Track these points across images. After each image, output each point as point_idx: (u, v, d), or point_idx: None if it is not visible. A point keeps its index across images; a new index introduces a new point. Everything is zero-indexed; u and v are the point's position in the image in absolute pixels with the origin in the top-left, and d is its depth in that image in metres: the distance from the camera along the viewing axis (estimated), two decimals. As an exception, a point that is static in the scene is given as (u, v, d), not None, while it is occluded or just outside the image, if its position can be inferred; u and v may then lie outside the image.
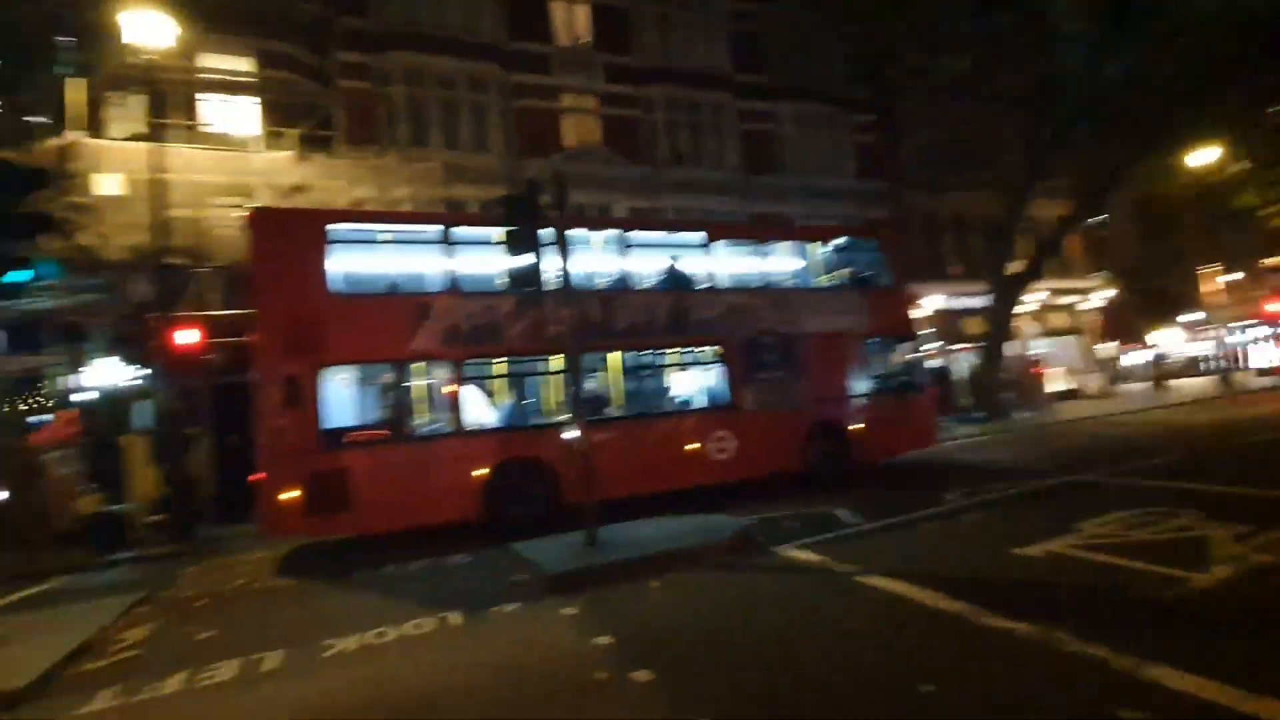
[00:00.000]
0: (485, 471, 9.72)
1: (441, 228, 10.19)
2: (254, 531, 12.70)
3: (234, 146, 14.87)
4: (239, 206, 13.49)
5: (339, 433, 9.26)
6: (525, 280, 7.95)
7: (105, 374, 14.41)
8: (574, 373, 8.31)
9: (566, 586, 6.53)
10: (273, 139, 15.27)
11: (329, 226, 9.47)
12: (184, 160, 13.90)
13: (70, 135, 12.88)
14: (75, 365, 14.91)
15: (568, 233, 8.23)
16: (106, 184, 13.41)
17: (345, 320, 9.32)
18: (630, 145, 20.78)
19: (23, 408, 18.42)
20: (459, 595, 6.59)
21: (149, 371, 12.44)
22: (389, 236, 10.15)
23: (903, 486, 10.85)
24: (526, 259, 7.87)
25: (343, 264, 9.59)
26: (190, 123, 14.84)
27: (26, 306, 14.68)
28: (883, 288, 13.21)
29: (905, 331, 13.25)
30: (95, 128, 13.65)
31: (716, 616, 5.38)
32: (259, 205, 12.64)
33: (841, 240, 13.41)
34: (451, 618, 5.90)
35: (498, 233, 8.75)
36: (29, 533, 11.41)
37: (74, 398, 14.94)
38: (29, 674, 4.89)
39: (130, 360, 12.71)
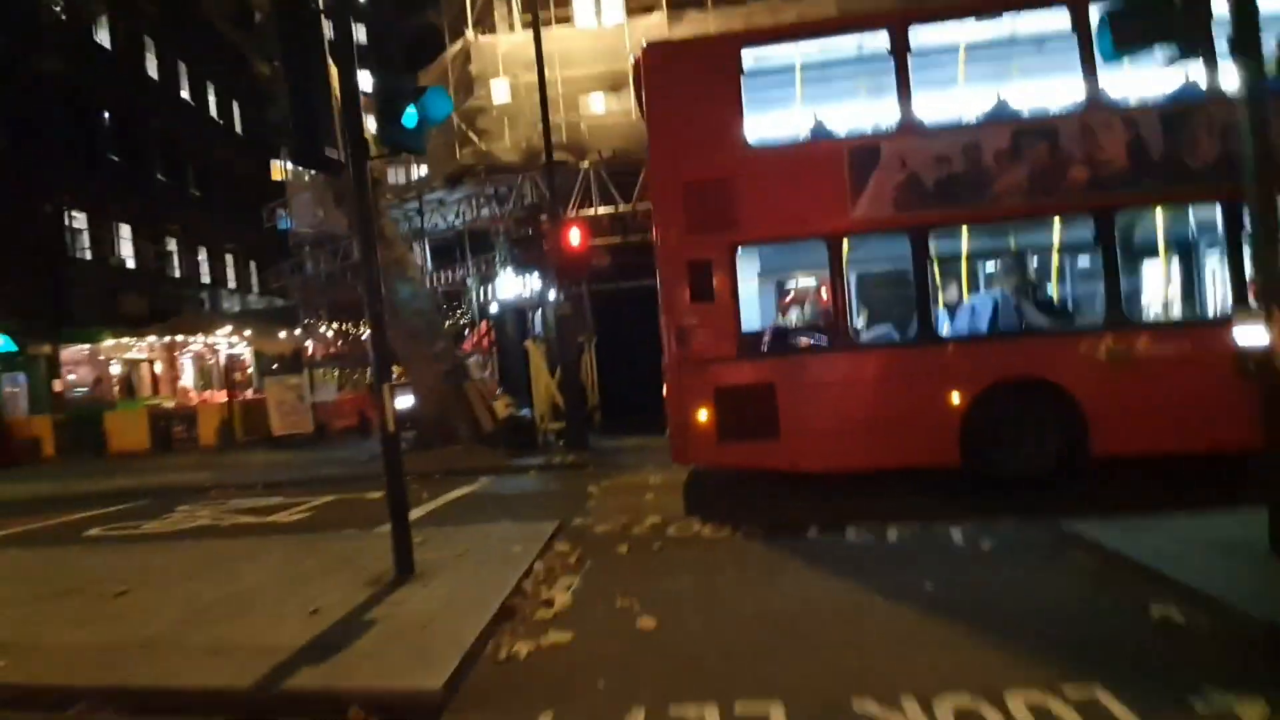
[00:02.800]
0: (963, 398, 6.48)
1: (889, 35, 6.82)
2: (641, 445, 12.14)
3: (605, 34, 13.53)
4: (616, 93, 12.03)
5: (762, 337, 6.92)
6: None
7: (509, 285, 14.80)
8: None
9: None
10: (639, 13, 13.53)
11: (746, 51, 6.85)
12: (561, 53, 12.94)
13: (469, 35, 12.84)
14: (485, 279, 15.69)
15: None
16: (498, 89, 13.14)
17: (766, 182, 6.78)
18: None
19: (447, 324, 21.14)
20: (1058, 633, 3.55)
21: (541, 277, 11.98)
22: (820, 56, 7.18)
23: None
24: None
25: (762, 104, 6.98)
26: (563, 12, 13.92)
27: (444, 228, 15.89)
28: None
29: None
30: (485, 26, 13.51)
31: None
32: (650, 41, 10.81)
33: None
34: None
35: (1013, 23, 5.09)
36: (462, 431, 11.98)
37: (492, 309, 15.84)
38: (447, 662, 3.45)
39: (526, 267, 12.45)
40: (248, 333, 24.00)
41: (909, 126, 6.63)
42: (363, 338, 27.10)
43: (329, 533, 7.00)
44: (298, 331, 23.28)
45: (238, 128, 32.66)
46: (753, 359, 6.75)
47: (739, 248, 6.77)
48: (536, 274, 13.10)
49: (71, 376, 21.25)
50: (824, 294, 6.91)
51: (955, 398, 6.48)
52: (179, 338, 23.88)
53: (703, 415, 6.73)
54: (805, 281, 7.65)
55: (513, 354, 15.70)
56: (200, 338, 23.68)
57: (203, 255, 29.61)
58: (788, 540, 5.61)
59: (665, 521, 6.46)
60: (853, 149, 6.71)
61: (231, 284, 31.83)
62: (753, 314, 7.45)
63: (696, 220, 6.83)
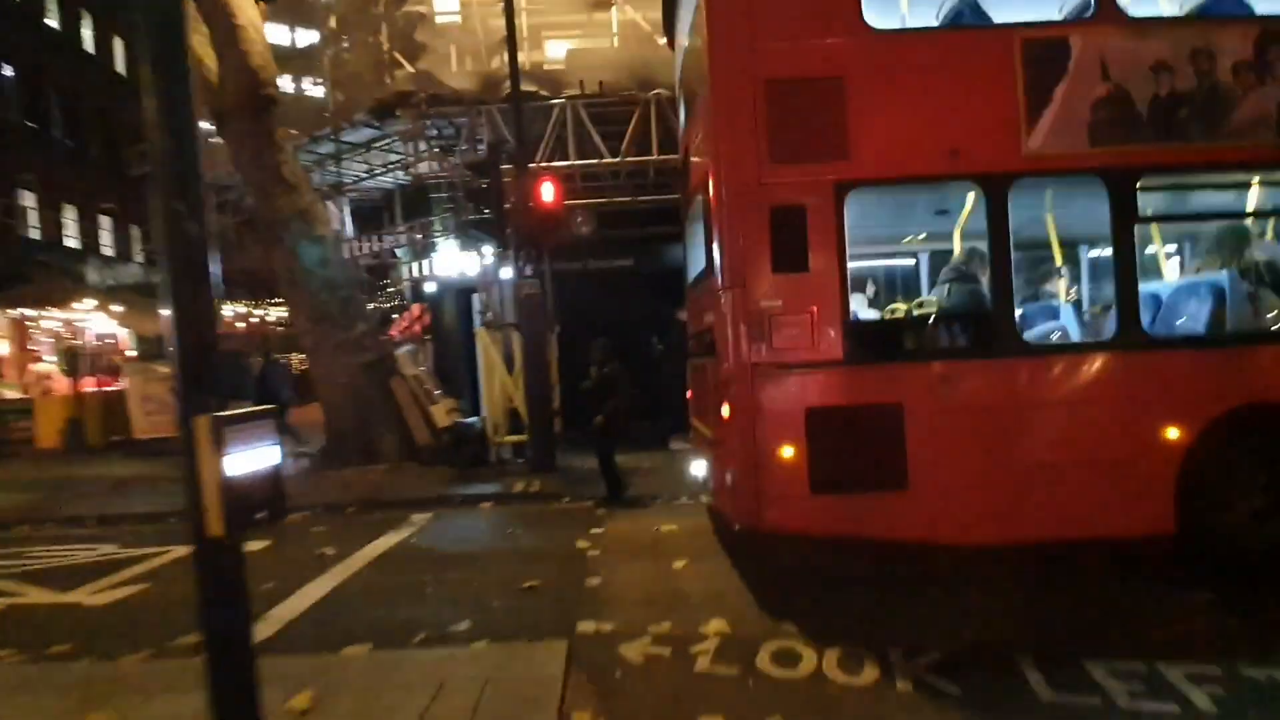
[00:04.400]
0: (1183, 433, 4.24)
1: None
2: (623, 466, 9.43)
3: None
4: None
5: (886, 330, 4.47)
6: None
7: (451, 258, 11.83)
8: None
9: None
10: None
11: None
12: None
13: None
14: (421, 250, 12.63)
15: None
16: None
17: (895, 89, 4.34)
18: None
19: (370, 305, 17.42)
20: None
21: (497, 247, 9.17)
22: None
23: None
24: None
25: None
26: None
27: (367, 182, 12.66)
28: None
29: None
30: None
31: None
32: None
33: None
34: None
35: None
36: (388, 444, 9.02)
37: (428, 287, 12.77)
38: None
39: (477, 235, 9.58)
40: (117, 308, 19.84)
41: (1113, 13, 4.33)
42: (268, 317, 23.18)
43: (144, 646, 4.03)
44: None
45: (119, 66, 27.71)
46: (870, 365, 4.29)
47: (851, 190, 4.29)
48: (490, 244, 10.24)
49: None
50: (975, 267, 4.54)
51: (1171, 432, 4.24)
52: (26, 311, 19.49)
53: (787, 453, 4.22)
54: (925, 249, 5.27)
55: (453, 345, 12.74)
56: (54, 312, 19.36)
57: (71, 215, 24.78)
58: (1010, 698, 3.14)
59: (738, 631, 3.90)
60: (1029, 44, 4.33)
61: (109, 250, 26.99)
62: (873, 293, 5.02)
63: (785, 144, 4.30)
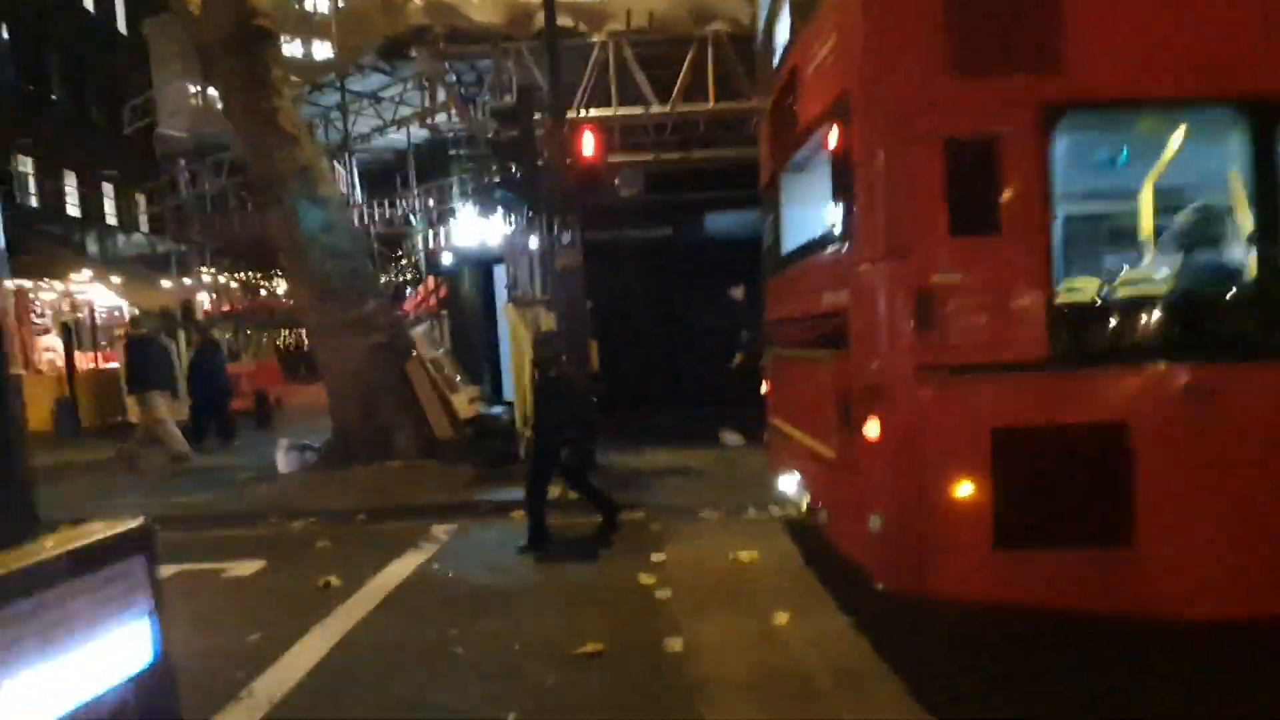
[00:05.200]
0: None
1: None
2: (673, 465, 8.24)
3: None
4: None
5: (1095, 320, 3.18)
6: None
7: (471, 225, 10.57)
8: None
9: None
10: None
11: None
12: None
13: None
14: (438, 218, 11.36)
15: None
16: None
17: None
18: None
19: (382, 279, 15.99)
20: None
21: (529, 211, 7.90)
22: None
23: None
24: None
25: None
26: None
27: (376, 138, 11.33)
28: None
29: None
30: None
31: None
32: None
33: None
34: None
35: None
36: (403, 439, 7.88)
37: (444, 259, 11.53)
38: None
39: (503, 196, 8.30)
40: (115, 280, 18.81)
41: None
42: (263, 290, 22.00)
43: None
44: (189, 280, 18.23)
45: (121, 25, 26.36)
46: (1085, 369, 3.02)
47: (1064, 115, 2.98)
48: (517, 208, 8.96)
49: None
50: (1233, 230, 3.25)
51: None
52: (24, 283, 18.51)
53: (964, 490, 2.99)
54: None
55: (472, 324, 11.56)
56: (52, 284, 18.36)
57: (71, 182, 23.71)
58: None
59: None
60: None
61: (111, 219, 25.98)
62: (1078, 262, 3.73)
63: (970, 46, 3.00)
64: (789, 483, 4.81)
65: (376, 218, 11.98)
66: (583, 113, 8.06)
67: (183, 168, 12.91)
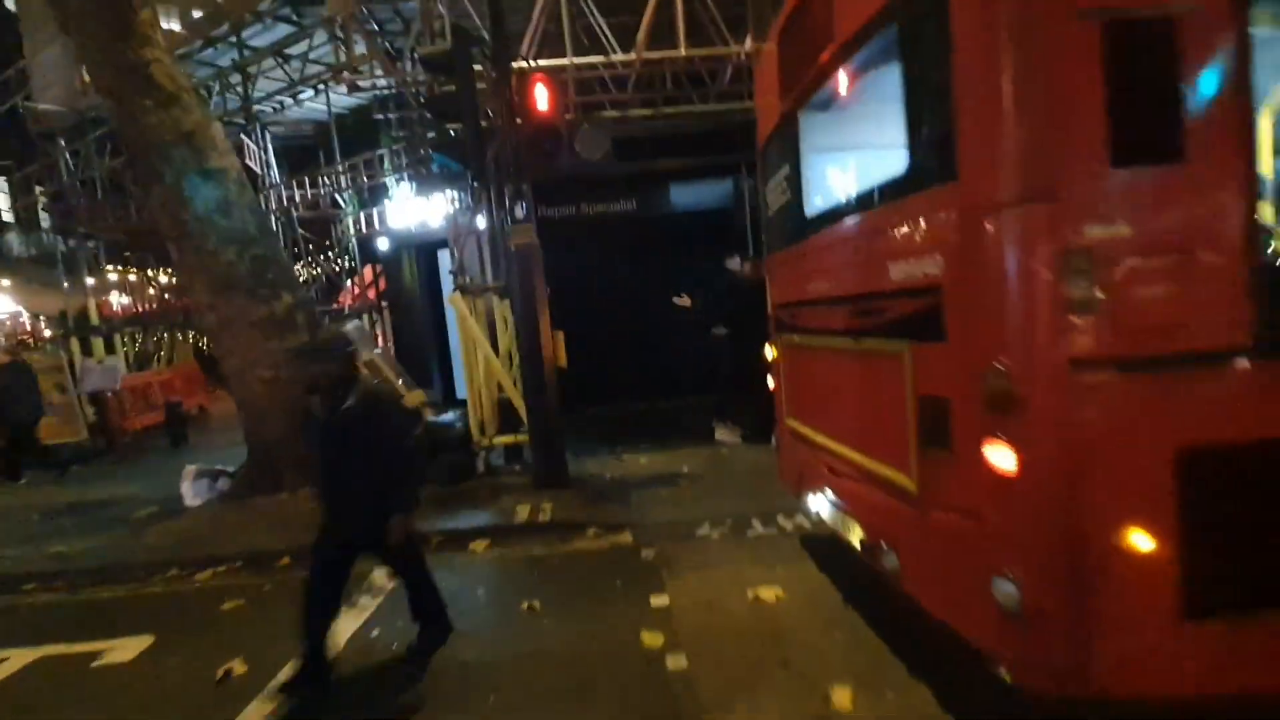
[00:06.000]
0: None
1: None
2: (653, 473, 7.15)
3: None
4: None
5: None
6: None
7: (408, 205, 9.24)
8: None
9: None
10: None
11: None
12: None
13: None
14: (369, 197, 9.97)
15: None
16: None
17: None
18: None
19: (306, 266, 13.97)
20: None
21: (472, 182, 6.66)
22: None
23: None
24: None
25: None
26: None
27: (288, 104, 9.77)
28: None
29: None
30: None
31: None
32: None
33: None
34: None
35: None
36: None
37: (380, 245, 10.14)
38: None
39: (441, 172, 7.01)
40: (4, 283, 16.66)
41: None
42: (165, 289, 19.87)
43: None
44: (91, 281, 16.18)
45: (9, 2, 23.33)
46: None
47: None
48: (460, 182, 7.69)
49: None
50: None
51: None
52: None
53: (1138, 541, 2.04)
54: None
55: (417, 318, 10.24)
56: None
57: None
58: None
59: None
60: None
61: (6, 216, 23.21)
62: None
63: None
64: (820, 505, 3.84)
65: (298, 199, 10.45)
66: (531, 64, 6.83)
67: (63, 148, 11.06)
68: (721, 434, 7.58)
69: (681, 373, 9.46)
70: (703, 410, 8.14)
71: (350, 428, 3.37)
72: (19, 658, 4.18)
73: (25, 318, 19.94)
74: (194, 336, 18.70)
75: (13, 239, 22.31)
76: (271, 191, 9.87)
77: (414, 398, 7.29)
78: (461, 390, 8.52)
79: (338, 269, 14.31)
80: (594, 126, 6.55)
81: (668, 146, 9.20)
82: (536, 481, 6.44)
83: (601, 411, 9.77)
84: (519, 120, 6.07)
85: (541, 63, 6.90)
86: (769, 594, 4.06)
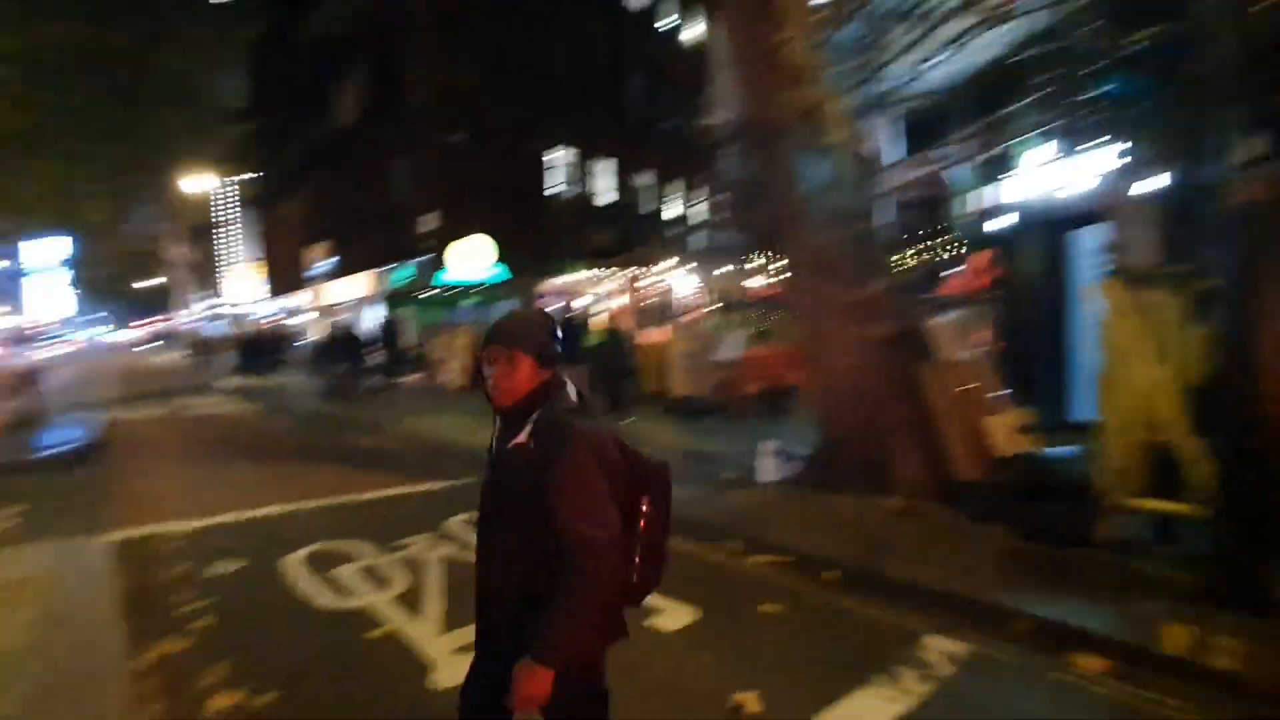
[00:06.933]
0: None
1: None
2: None
3: None
4: None
5: None
6: None
7: (1039, 172, 7.33)
8: None
9: None
10: None
11: None
12: None
13: None
14: (995, 166, 8.43)
15: None
16: None
17: None
18: None
19: (906, 254, 12.59)
20: None
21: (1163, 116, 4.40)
22: None
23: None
24: None
25: None
26: None
27: (923, 84, 8.82)
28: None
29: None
30: None
31: None
32: None
33: None
34: None
35: None
36: (905, 469, 5.68)
37: (998, 224, 8.57)
38: None
39: (1114, 102, 4.93)
40: (689, 266, 21.84)
41: None
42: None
43: None
44: (749, 266, 19.73)
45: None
46: None
47: None
48: (1145, 129, 5.41)
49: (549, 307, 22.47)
50: None
51: None
52: (634, 271, 23.30)
53: None
54: None
55: (1032, 316, 8.18)
56: (647, 270, 22.61)
57: (678, 191, 28.82)
58: None
59: None
60: None
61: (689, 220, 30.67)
62: None
63: None
64: None
65: (910, 179, 9.70)
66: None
67: (722, 155, 13.29)
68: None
69: None
70: None
71: (512, 472, 1.98)
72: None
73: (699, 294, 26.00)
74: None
75: (700, 236, 29.26)
76: (887, 172, 9.41)
77: (1012, 418, 5.60)
78: (1081, 413, 6.30)
79: (944, 253, 13.14)
80: None
81: None
82: (1208, 589, 3.97)
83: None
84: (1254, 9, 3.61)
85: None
86: None
